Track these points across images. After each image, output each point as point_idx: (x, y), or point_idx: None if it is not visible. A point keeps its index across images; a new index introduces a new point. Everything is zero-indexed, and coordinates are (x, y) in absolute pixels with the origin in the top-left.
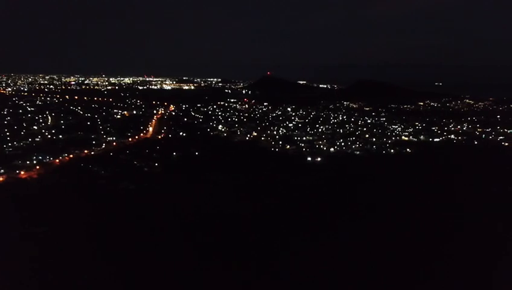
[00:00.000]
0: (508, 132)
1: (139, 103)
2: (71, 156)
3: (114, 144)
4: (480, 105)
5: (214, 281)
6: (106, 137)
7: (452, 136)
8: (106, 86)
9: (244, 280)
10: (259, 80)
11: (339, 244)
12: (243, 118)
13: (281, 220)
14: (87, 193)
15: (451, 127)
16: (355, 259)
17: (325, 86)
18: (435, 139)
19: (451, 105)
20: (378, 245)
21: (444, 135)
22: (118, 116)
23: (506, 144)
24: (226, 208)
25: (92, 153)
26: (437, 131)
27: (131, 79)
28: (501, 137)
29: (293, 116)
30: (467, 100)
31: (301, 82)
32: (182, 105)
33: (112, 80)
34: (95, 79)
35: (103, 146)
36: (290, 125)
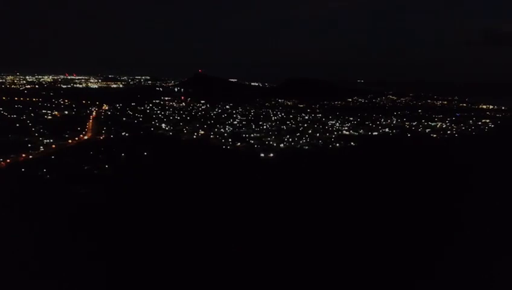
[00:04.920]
0: (432, 124)
1: (67, 102)
2: (8, 160)
3: (53, 146)
4: (402, 100)
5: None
6: (42, 139)
7: (387, 130)
8: (24, 84)
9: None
10: (191, 78)
11: (321, 242)
12: (186, 117)
13: (258, 220)
14: (37, 199)
15: (383, 121)
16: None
17: (257, 84)
18: (374, 133)
19: (377, 101)
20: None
21: (380, 129)
22: (49, 117)
23: (435, 135)
24: (197, 210)
25: (31, 156)
26: (371, 125)
27: (51, 77)
28: (428, 129)
29: (234, 113)
30: (390, 96)
31: (233, 80)
32: (116, 104)
33: (29, 78)
34: (10, 77)
35: (41, 149)
36: (234, 122)
